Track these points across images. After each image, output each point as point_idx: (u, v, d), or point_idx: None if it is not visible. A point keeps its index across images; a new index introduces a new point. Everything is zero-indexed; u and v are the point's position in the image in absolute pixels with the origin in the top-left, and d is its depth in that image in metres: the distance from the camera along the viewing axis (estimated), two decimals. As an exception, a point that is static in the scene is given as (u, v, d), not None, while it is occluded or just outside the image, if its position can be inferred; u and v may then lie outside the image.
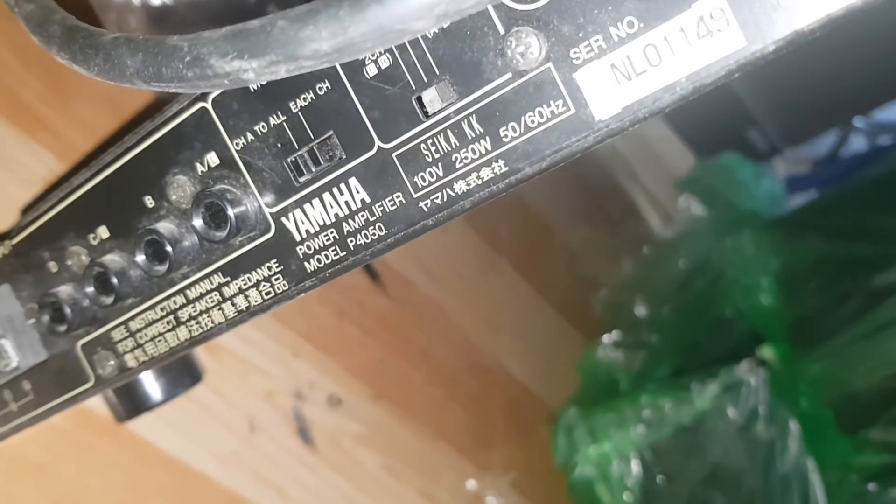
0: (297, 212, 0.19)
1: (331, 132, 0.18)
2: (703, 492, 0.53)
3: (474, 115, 0.16)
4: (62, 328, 0.22)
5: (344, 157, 0.18)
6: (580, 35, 0.15)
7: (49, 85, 0.37)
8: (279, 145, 0.18)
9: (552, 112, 0.15)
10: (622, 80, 0.15)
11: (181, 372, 0.32)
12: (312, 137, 0.18)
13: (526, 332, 0.63)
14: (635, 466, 0.56)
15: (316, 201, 0.18)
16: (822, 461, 0.51)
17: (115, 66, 0.15)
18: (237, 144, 0.19)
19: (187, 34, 0.14)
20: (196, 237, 0.20)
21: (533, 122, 0.16)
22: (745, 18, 0.14)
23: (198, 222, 0.19)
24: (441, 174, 0.17)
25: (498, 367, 0.58)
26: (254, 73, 0.14)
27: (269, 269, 0.19)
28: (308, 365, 0.45)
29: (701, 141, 0.92)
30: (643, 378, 0.64)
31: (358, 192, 0.18)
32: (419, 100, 0.17)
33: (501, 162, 0.16)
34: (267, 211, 0.19)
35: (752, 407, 0.52)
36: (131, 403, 0.30)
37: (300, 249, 0.19)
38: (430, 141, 0.17)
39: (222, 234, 0.19)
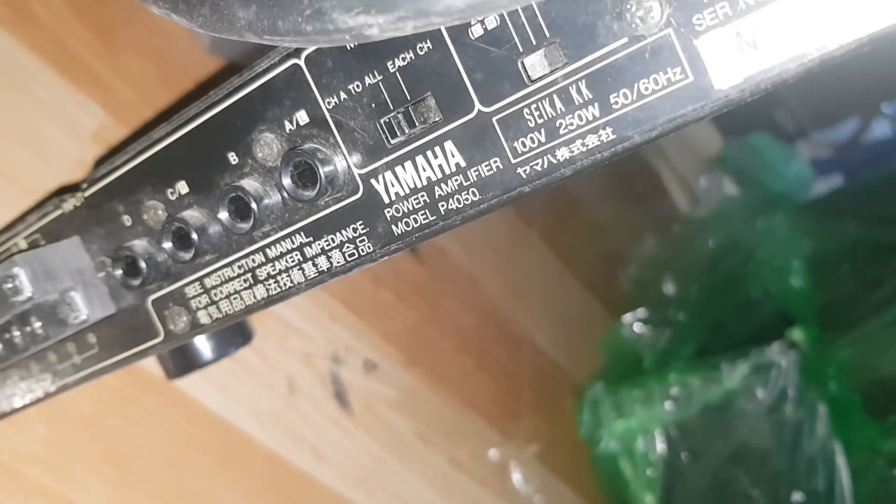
0: (388, 174, 0.18)
1: (428, 93, 0.17)
2: (727, 470, 0.54)
3: (584, 81, 0.16)
4: (135, 282, 0.22)
5: (440, 119, 0.17)
6: (705, 1, 0.14)
7: (99, 36, 0.37)
8: (373, 105, 0.18)
9: (669, 79, 0.15)
10: (746, 49, 0.14)
11: (234, 331, 0.32)
12: (409, 98, 0.18)
13: (553, 305, 0.63)
14: (660, 443, 0.56)
15: (408, 164, 0.18)
16: (849, 445, 0.51)
17: (224, 17, 0.15)
18: (329, 103, 0.18)
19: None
20: (280, 196, 0.19)
21: (647, 89, 0.15)
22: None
23: (286, 181, 0.19)
24: (543, 140, 0.17)
25: (526, 339, 0.59)
26: (378, 28, 0.13)
27: (355, 230, 0.19)
28: (345, 329, 0.45)
29: (728, 121, 0.91)
30: (668, 356, 0.64)
31: (453, 155, 0.18)
32: (524, 63, 0.16)
33: (609, 129, 0.16)
34: (356, 172, 0.19)
35: (782, 388, 0.52)
36: (183, 361, 0.30)
37: (388, 212, 0.19)
38: (534, 105, 0.16)
39: (311, 193, 0.18)
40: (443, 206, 0.18)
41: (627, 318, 0.66)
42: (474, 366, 0.53)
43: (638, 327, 0.65)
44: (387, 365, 0.46)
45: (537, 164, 0.17)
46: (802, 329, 0.57)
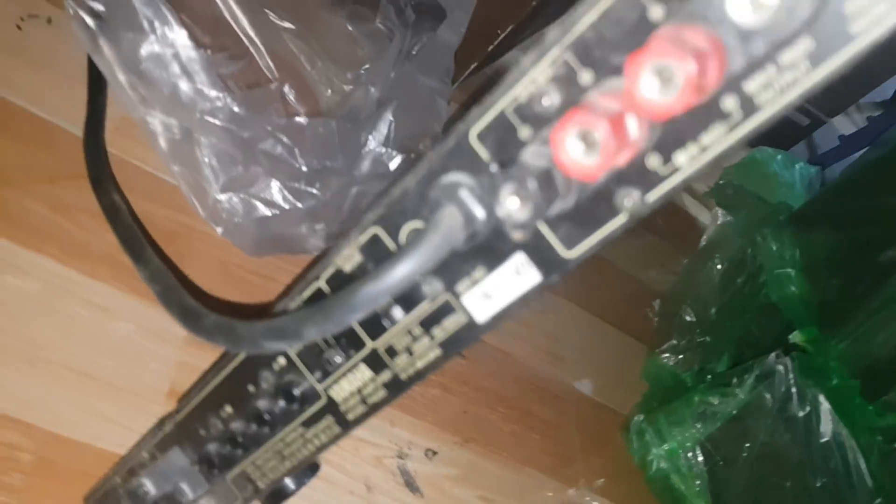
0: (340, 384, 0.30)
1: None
2: (758, 469, 0.62)
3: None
4: (216, 471, 0.34)
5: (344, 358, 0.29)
6: (461, 277, 0.26)
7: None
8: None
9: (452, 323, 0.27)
10: (488, 298, 0.26)
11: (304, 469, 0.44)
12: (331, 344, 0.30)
13: (589, 354, 0.74)
14: (700, 456, 0.65)
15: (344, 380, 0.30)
16: (853, 428, 0.59)
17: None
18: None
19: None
20: (280, 406, 0.32)
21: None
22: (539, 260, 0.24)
23: (280, 401, 0.31)
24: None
25: (567, 391, 0.69)
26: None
27: (328, 424, 0.31)
28: (404, 430, 0.57)
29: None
30: (703, 373, 0.73)
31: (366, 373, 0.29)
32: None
33: (439, 350, 0.27)
34: (318, 387, 0.31)
35: (785, 390, 0.60)
36: (272, 498, 0.43)
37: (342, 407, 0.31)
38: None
39: (295, 405, 0.31)
40: (371, 399, 0.30)
41: (662, 348, 0.75)
42: (523, 429, 0.64)
43: (672, 355, 0.74)
44: (445, 448, 0.58)
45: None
46: (802, 332, 0.65)
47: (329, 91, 0.64)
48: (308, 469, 0.44)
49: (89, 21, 0.45)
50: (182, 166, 0.48)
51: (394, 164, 0.55)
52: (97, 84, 0.46)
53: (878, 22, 0.18)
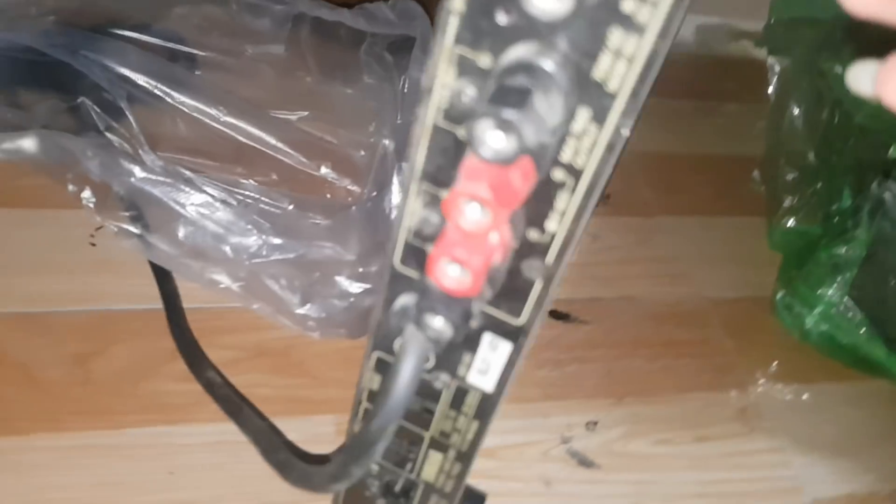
0: (425, 471, 0.34)
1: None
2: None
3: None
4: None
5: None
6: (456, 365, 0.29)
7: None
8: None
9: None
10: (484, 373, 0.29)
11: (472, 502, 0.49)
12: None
13: (709, 255, 0.74)
14: (850, 304, 0.64)
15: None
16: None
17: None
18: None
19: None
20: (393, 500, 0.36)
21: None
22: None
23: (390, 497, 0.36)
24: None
25: (701, 303, 0.70)
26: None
27: (436, 500, 0.35)
28: (558, 415, 0.60)
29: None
30: (831, 218, 0.71)
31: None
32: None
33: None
34: (411, 477, 0.35)
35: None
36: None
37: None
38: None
39: (402, 498, 0.35)
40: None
41: (779, 213, 0.74)
42: (671, 360, 0.65)
43: (791, 216, 0.73)
44: (602, 415, 0.61)
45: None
46: (897, 146, 0.62)
47: (361, 152, 0.68)
48: (475, 502, 0.49)
49: (131, 228, 0.51)
50: (261, 302, 0.53)
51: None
52: (162, 275, 0.52)
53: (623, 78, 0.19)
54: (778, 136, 0.74)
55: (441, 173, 0.23)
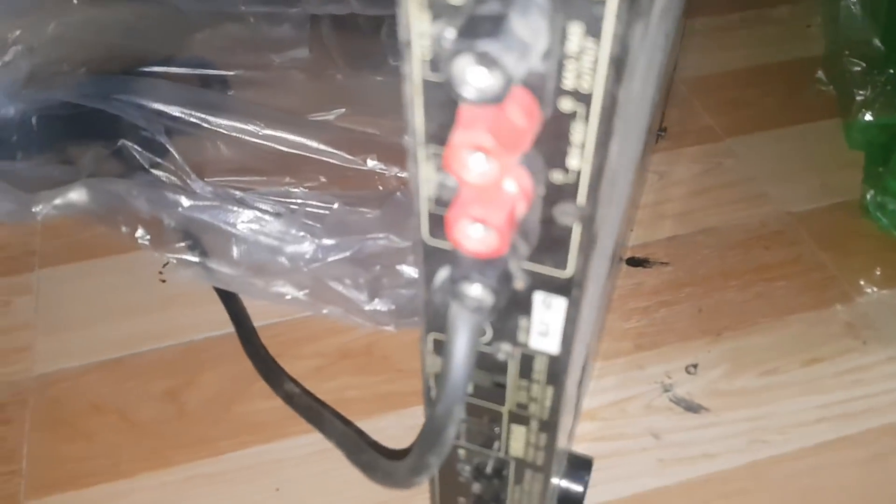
0: (511, 446, 0.33)
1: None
2: None
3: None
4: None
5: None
6: (516, 331, 0.27)
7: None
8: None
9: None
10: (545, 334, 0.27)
11: (578, 470, 0.47)
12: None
13: (786, 169, 0.69)
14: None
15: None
16: None
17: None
18: (463, 440, 0.34)
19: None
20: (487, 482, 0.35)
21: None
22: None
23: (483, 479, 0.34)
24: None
25: (787, 220, 0.66)
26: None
27: (531, 475, 0.34)
28: (655, 364, 0.57)
29: None
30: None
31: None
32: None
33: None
34: (501, 455, 0.33)
35: None
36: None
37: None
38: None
39: (495, 478, 0.34)
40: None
41: (853, 110, 0.69)
42: (764, 286, 0.62)
43: (867, 110, 0.68)
44: (702, 354, 0.58)
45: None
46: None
47: (405, 136, 0.67)
48: (581, 469, 0.47)
49: (189, 258, 0.52)
50: (330, 305, 0.53)
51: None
52: (227, 297, 0.52)
53: None
54: (837, 29, 0.69)
55: (445, 132, 0.22)
